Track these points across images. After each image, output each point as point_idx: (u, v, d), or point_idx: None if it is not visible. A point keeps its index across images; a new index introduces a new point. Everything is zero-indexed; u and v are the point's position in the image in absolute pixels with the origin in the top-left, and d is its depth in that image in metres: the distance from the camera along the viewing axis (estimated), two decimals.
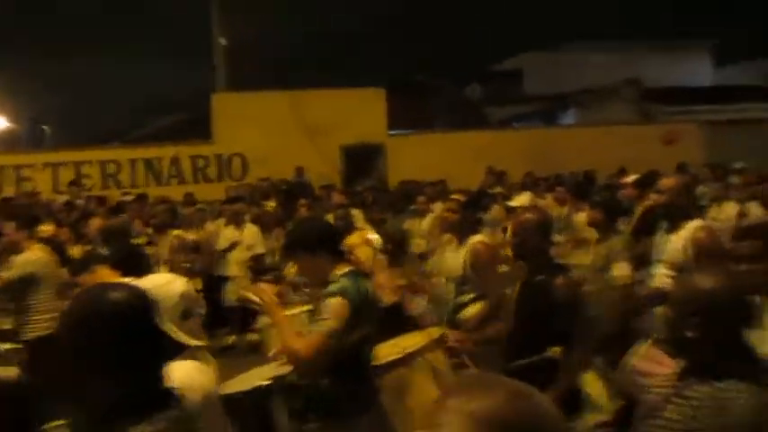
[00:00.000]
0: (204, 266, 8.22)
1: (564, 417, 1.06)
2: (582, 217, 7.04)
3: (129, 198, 10.99)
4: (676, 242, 3.88)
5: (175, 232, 7.42)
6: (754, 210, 7.35)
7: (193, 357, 2.29)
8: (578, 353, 3.17)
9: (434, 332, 4.06)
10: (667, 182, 4.14)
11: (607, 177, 12.04)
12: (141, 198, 10.69)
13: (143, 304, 1.69)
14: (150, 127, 21.86)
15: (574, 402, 3.24)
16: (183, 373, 2.13)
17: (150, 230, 7.92)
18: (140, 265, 3.75)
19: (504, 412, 0.97)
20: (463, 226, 4.48)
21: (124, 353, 1.58)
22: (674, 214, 4.00)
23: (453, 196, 4.72)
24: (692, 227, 3.88)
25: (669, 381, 2.08)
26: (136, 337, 1.61)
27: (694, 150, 16.62)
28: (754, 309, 2.07)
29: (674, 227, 3.97)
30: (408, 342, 3.88)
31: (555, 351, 3.19)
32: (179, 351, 2.25)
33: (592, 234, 5.83)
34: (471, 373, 3.43)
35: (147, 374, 1.62)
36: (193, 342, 2.28)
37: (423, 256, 7.48)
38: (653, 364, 3.27)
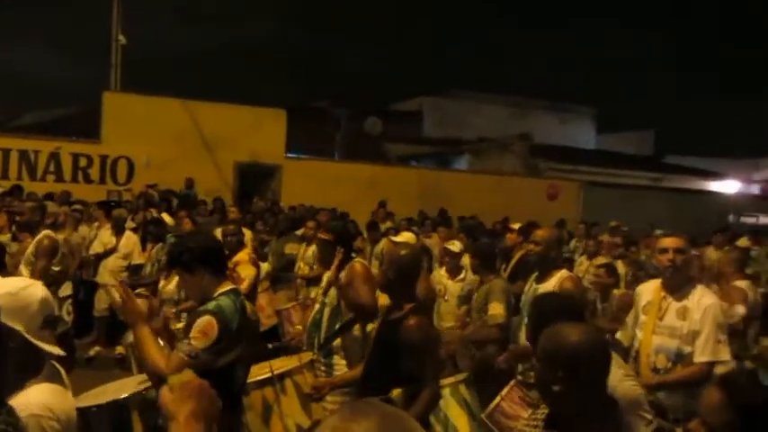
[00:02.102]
0: (74, 271, 7.72)
1: None
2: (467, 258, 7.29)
3: None
4: (544, 290, 4.09)
5: (45, 232, 6.90)
6: (620, 268, 7.87)
7: (54, 377, 2.10)
8: (424, 396, 3.15)
9: (305, 357, 4.02)
10: (542, 233, 4.37)
11: (492, 223, 12.53)
12: (13, 191, 9.93)
13: None
14: (30, 118, 20.49)
15: None
16: (42, 397, 1.98)
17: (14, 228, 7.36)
18: None
19: None
20: (332, 261, 4.42)
21: None
22: (545, 264, 4.23)
23: (320, 234, 4.66)
24: (559, 277, 4.11)
25: (531, 424, 2.14)
26: None
27: (573, 207, 17.77)
28: (610, 358, 2.14)
29: (543, 276, 4.19)
30: (279, 364, 3.83)
31: (396, 393, 3.17)
32: (38, 366, 2.08)
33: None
34: (351, 401, 3.40)
35: None
36: (55, 350, 2.08)
37: (307, 281, 7.42)
38: (516, 405, 3.39)
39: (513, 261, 6.64)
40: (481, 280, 5.08)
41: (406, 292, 3.42)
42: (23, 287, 2.12)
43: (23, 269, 6.28)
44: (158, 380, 2.83)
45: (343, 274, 4.30)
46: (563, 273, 4.19)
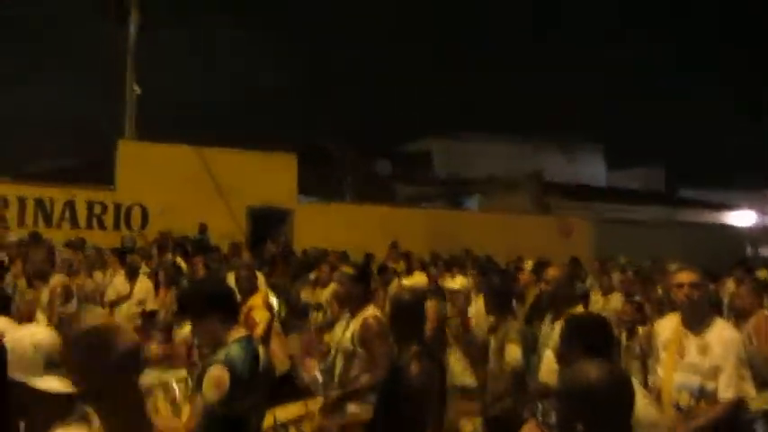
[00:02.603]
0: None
1: None
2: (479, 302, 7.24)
3: (12, 238, 10.33)
4: (560, 330, 4.06)
5: (57, 277, 6.97)
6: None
7: (81, 418, 2.12)
8: None
9: (313, 404, 3.98)
10: (552, 272, 4.36)
11: (506, 263, 12.47)
12: (33, 238, 10.03)
13: None
14: (46, 166, 20.79)
15: None
16: None
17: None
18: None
19: None
20: (353, 299, 4.43)
21: None
22: (559, 303, 4.19)
23: (343, 268, 4.69)
24: None
25: None
26: None
27: (586, 244, 17.65)
28: (633, 396, 2.10)
29: (558, 315, 4.15)
30: (282, 413, 3.80)
31: None
32: (60, 410, 2.08)
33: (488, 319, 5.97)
34: None
35: None
36: (64, 388, 2.11)
37: (320, 326, 7.40)
38: None
39: (528, 301, 6.58)
40: (497, 324, 5.02)
41: (410, 335, 3.42)
42: (18, 339, 2.19)
43: (40, 315, 6.31)
44: None
45: (356, 326, 4.27)
46: (579, 310, 4.17)
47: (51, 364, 2.15)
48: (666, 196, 27.45)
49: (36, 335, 2.22)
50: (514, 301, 5.54)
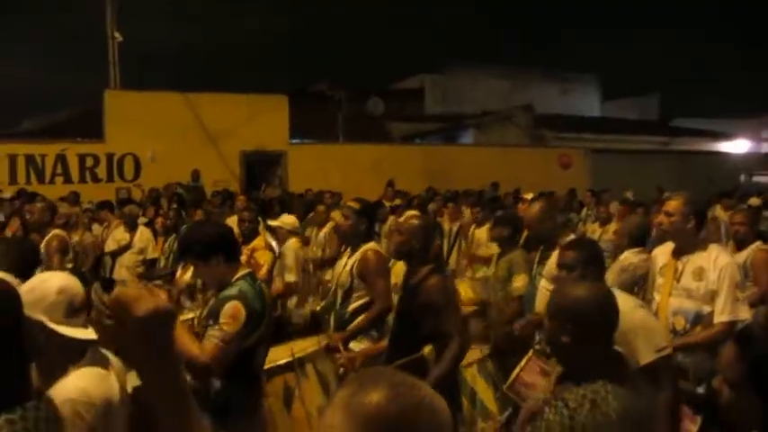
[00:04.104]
0: (90, 269, 7.79)
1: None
2: (482, 232, 7.29)
3: (5, 195, 10.28)
4: (553, 258, 4.13)
5: (54, 232, 6.96)
6: None
7: (96, 362, 2.16)
8: (453, 349, 3.28)
9: (323, 339, 4.06)
10: (534, 207, 4.47)
11: (503, 195, 12.52)
12: (23, 195, 9.98)
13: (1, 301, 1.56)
14: (35, 122, 20.55)
15: (450, 398, 3.32)
16: (80, 382, 2.04)
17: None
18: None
19: (383, 409, 0.98)
20: (356, 234, 4.47)
21: None
22: (546, 237, 4.33)
23: (348, 203, 4.71)
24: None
25: (549, 387, 2.21)
26: None
27: (581, 175, 17.69)
28: (618, 315, 2.22)
29: (548, 247, 4.27)
30: (298, 347, 3.87)
31: (427, 350, 3.32)
32: (78, 352, 2.14)
33: (490, 249, 6.03)
34: (364, 370, 3.45)
35: (5, 376, 1.51)
36: (88, 335, 2.15)
37: (319, 265, 7.47)
38: (534, 374, 3.42)
39: (526, 233, 6.62)
40: (501, 252, 5.08)
41: (423, 256, 3.54)
42: (42, 281, 2.22)
43: (37, 270, 6.32)
44: (194, 369, 2.87)
45: (356, 258, 4.30)
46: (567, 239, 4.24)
47: (73, 311, 2.17)
48: (661, 125, 27.29)
49: (61, 280, 2.23)
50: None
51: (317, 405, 3.66)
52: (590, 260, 2.93)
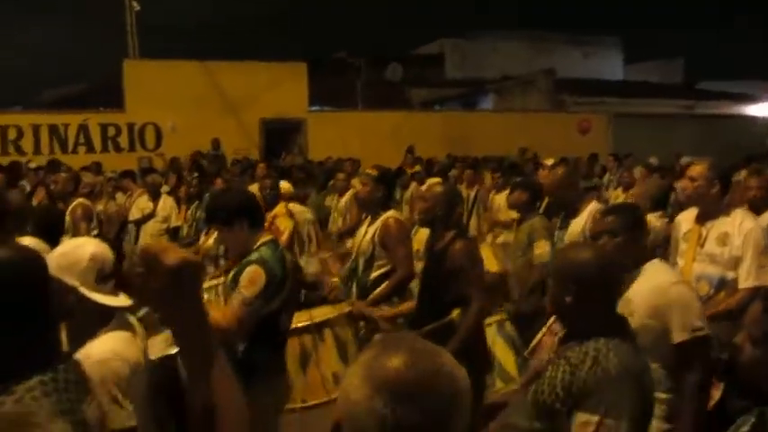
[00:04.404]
0: (114, 237, 7.91)
1: (468, 374, 1.08)
2: (501, 198, 7.26)
3: (32, 165, 10.42)
4: (576, 225, 4.16)
5: (78, 200, 7.07)
6: None
7: (122, 326, 2.23)
8: (475, 307, 3.35)
9: (344, 307, 4.10)
10: (551, 177, 4.46)
11: (522, 162, 12.42)
12: (51, 165, 10.11)
13: (30, 267, 1.59)
14: (56, 93, 20.70)
15: (477, 360, 3.39)
16: (110, 344, 2.13)
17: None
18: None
19: (401, 374, 1.00)
20: (375, 201, 4.49)
21: (8, 316, 1.49)
22: (566, 202, 4.33)
23: (367, 171, 4.72)
24: (589, 209, 4.16)
25: (553, 348, 2.24)
26: (18, 300, 1.51)
27: (603, 140, 17.47)
28: (622, 279, 2.25)
29: (570, 213, 4.27)
30: (318, 313, 3.93)
31: (455, 314, 3.37)
32: (106, 316, 2.22)
33: (510, 214, 6.00)
34: (385, 335, 3.51)
35: (36, 338, 1.53)
36: (117, 302, 2.22)
37: (340, 233, 7.52)
38: (554, 337, 3.44)
39: (547, 200, 6.59)
40: (521, 218, 5.05)
41: (448, 221, 3.59)
42: (75, 246, 2.29)
43: (63, 239, 6.44)
44: (216, 332, 2.93)
45: (377, 226, 4.32)
46: (593, 205, 4.23)
47: (103, 277, 2.24)
48: (685, 89, 26.71)
49: (94, 246, 2.30)
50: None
51: (332, 370, 3.72)
52: (633, 225, 2.80)
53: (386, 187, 4.55)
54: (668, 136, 16.71)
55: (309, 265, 5.96)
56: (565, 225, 4.33)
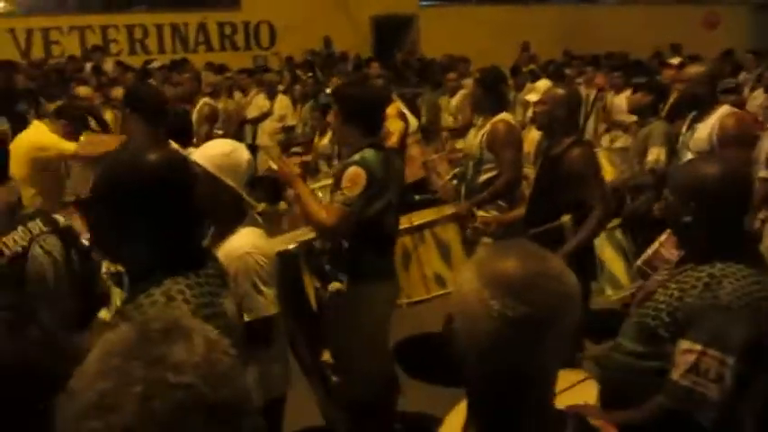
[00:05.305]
0: (234, 135, 8.29)
1: (577, 278, 1.13)
2: (621, 99, 6.92)
3: (156, 64, 10.90)
4: (703, 130, 3.87)
5: (204, 100, 7.40)
6: None
7: (255, 223, 2.45)
8: (597, 216, 3.27)
9: (446, 209, 4.15)
10: (693, 69, 4.06)
11: (646, 60, 11.62)
12: (177, 65, 10.55)
13: (179, 168, 1.68)
14: None
15: (586, 264, 3.36)
16: (251, 238, 2.36)
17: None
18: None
19: (510, 271, 1.08)
20: (486, 103, 4.40)
21: (159, 215, 1.58)
22: (699, 103, 3.97)
23: (480, 71, 4.61)
24: (719, 114, 3.85)
25: (670, 268, 2.10)
26: (171, 202, 1.60)
27: (739, 34, 15.85)
28: (750, 196, 2.05)
29: (699, 116, 3.95)
30: (418, 216, 4.02)
31: (566, 219, 3.33)
32: (244, 214, 2.44)
33: (630, 117, 5.73)
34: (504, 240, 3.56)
35: (183, 236, 1.64)
36: (259, 206, 2.45)
37: (452, 133, 7.49)
38: (675, 251, 3.35)
39: (671, 100, 6.21)
40: (640, 122, 4.82)
41: (567, 127, 3.46)
42: (234, 149, 2.45)
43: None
44: (320, 229, 3.11)
45: (487, 129, 4.28)
46: (724, 109, 3.92)
47: (248, 183, 2.46)
48: None
49: (247, 152, 2.50)
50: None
51: (434, 269, 3.83)
52: None
53: (498, 88, 4.46)
54: None
55: None
56: (692, 128, 4.10)
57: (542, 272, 1.09)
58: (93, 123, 5.74)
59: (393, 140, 5.63)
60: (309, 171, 5.81)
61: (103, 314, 2.71)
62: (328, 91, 7.18)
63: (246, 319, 2.21)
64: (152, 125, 3.61)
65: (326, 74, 9.74)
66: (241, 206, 2.44)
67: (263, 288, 2.30)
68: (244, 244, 2.32)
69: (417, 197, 5.98)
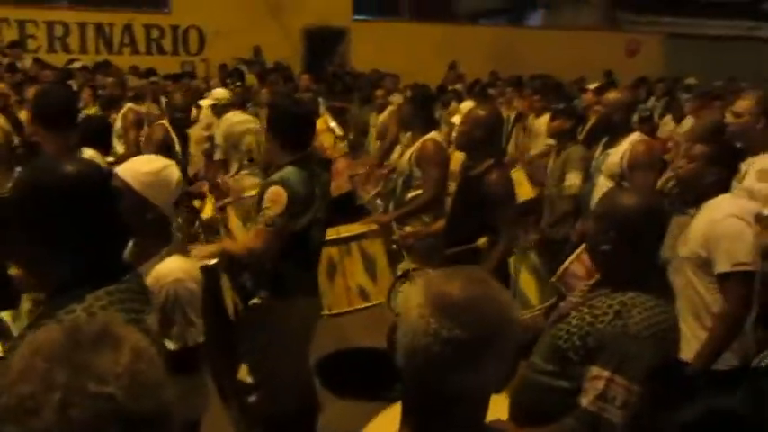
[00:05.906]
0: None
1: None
2: (540, 122, 7.16)
3: (78, 65, 10.52)
4: (615, 155, 4.07)
5: (128, 106, 7.20)
6: None
7: (181, 247, 2.39)
8: (503, 244, 3.37)
9: (372, 223, 4.20)
10: (611, 96, 4.28)
11: (568, 84, 12.08)
12: (100, 66, 10.21)
13: (99, 180, 1.63)
14: None
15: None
16: (179, 264, 2.26)
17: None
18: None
19: (454, 295, 1.16)
20: (414, 121, 4.48)
21: (78, 228, 1.54)
22: (614, 129, 4.17)
23: (408, 88, 4.71)
24: (629, 140, 4.06)
25: (584, 290, 2.18)
26: (90, 214, 1.56)
27: (654, 62, 16.75)
28: (666, 229, 2.15)
29: (612, 141, 4.16)
30: (345, 229, 4.05)
31: (482, 242, 3.40)
32: (169, 235, 2.35)
33: (547, 140, 5.95)
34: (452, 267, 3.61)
35: (103, 251, 1.60)
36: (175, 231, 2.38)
37: (380, 150, 7.56)
38: (584, 268, 3.49)
39: (589, 124, 6.49)
40: (559, 148, 4.99)
41: (486, 149, 3.48)
42: (164, 167, 2.32)
43: (116, 142, 6.62)
44: (249, 256, 3.13)
45: (416, 147, 4.35)
46: (635, 136, 4.13)
47: (176, 202, 2.40)
48: (750, 6, 25.08)
49: (177, 171, 2.36)
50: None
51: (357, 282, 3.86)
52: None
53: (429, 106, 4.54)
54: (728, 61, 15.77)
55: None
56: (605, 153, 4.30)
57: (483, 296, 1.18)
58: (2, 121, 5.49)
59: (326, 153, 5.64)
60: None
61: (5, 315, 2.56)
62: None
63: (174, 347, 2.15)
64: (62, 131, 3.22)
65: (258, 84, 9.64)
66: (166, 226, 2.34)
67: (192, 318, 2.23)
68: (175, 270, 2.22)
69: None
